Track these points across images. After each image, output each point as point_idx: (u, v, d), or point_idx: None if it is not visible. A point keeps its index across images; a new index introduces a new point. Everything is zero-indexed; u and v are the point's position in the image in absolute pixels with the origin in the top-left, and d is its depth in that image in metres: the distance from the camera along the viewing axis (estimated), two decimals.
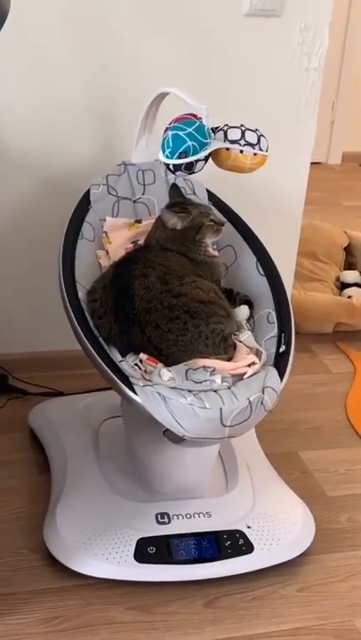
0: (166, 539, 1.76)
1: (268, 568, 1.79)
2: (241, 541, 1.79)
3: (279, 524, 1.84)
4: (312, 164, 2.48)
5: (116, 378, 1.61)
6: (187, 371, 1.61)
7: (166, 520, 1.80)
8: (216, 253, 1.90)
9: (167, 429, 1.58)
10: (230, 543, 1.78)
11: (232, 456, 2.00)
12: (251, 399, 1.56)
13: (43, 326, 2.43)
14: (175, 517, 1.80)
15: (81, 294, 1.75)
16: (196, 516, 1.82)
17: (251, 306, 1.85)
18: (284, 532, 1.83)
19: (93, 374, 1.71)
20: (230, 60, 2.28)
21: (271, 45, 2.30)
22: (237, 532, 1.80)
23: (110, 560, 1.72)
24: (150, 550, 1.74)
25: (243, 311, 1.84)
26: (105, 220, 1.97)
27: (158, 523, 1.80)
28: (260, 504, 1.88)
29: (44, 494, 1.95)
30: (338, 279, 3.15)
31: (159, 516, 1.81)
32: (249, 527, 1.81)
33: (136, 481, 1.87)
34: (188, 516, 1.82)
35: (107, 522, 1.78)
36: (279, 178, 2.38)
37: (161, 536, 1.76)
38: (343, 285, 3.11)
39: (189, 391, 1.56)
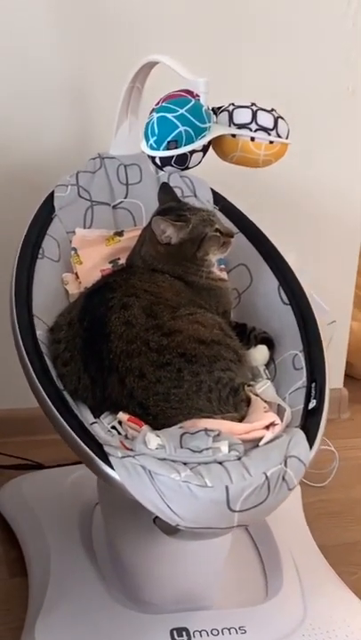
0: None
1: None
2: None
3: None
4: None
5: (84, 447, 1.44)
6: (182, 435, 1.44)
7: (185, 638, 1.67)
8: (224, 275, 1.76)
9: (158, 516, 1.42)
10: None
11: (273, 548, 1.87)
12: (268, 474, 1.38)
13: (12, 376, 2.29)
14: (197, 634, 1.67)
15: (40, 332, 1.59)
16: (226, 632, 1.67)
17: (271, 346, 1.71)
18: None
19: None
20: (252, 12, 2.03)
21: None
22: None
23: None
24: None
25: (260, 353, 1.70)
26: (74, 232, 1.82)
27: None
28: (313, 614, 1.73)
29: (19, 604, 1.79)
30: None
31: (175, 633, 1.67)
32: None
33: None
34: (215, 632, 1.67)
35: None
36: (329, 175, 2.22)
37: None
38: None
39: (185, 464, 1.38)
